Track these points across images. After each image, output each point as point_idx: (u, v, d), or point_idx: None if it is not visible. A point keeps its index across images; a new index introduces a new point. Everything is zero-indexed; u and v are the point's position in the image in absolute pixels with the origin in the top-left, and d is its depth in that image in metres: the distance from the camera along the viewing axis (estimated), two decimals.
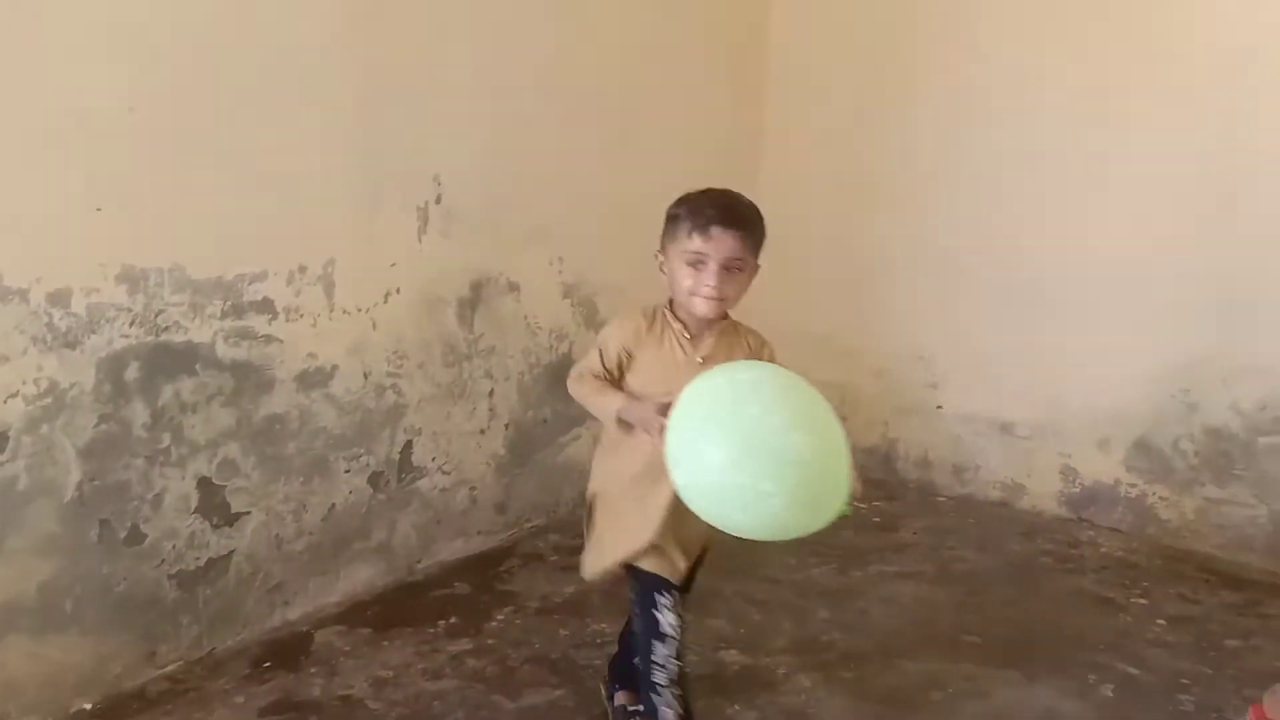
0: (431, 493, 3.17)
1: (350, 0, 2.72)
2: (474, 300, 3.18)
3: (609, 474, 2.24)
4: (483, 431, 3.29)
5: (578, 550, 3.37)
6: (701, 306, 2.05)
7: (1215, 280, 3.48)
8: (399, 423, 3.02)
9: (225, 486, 2.61)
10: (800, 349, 4.36)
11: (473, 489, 3.30)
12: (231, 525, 2.64)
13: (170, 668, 2.56)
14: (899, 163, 4.08)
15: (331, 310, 2.79)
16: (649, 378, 2.07)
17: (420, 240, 2.99)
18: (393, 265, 2.92)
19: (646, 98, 3.75)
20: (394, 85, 2.86)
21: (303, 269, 2.71)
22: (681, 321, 2.11)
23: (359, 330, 2.87)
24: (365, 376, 2.91)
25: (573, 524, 3.59)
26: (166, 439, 2.47)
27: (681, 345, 2.11)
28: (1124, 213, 3.63)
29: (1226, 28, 3.40)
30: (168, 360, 2.45)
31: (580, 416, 3.67)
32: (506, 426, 3.37)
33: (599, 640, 2.80)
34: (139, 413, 2.41)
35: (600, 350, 2.13)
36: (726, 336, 2.15)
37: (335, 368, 2.82)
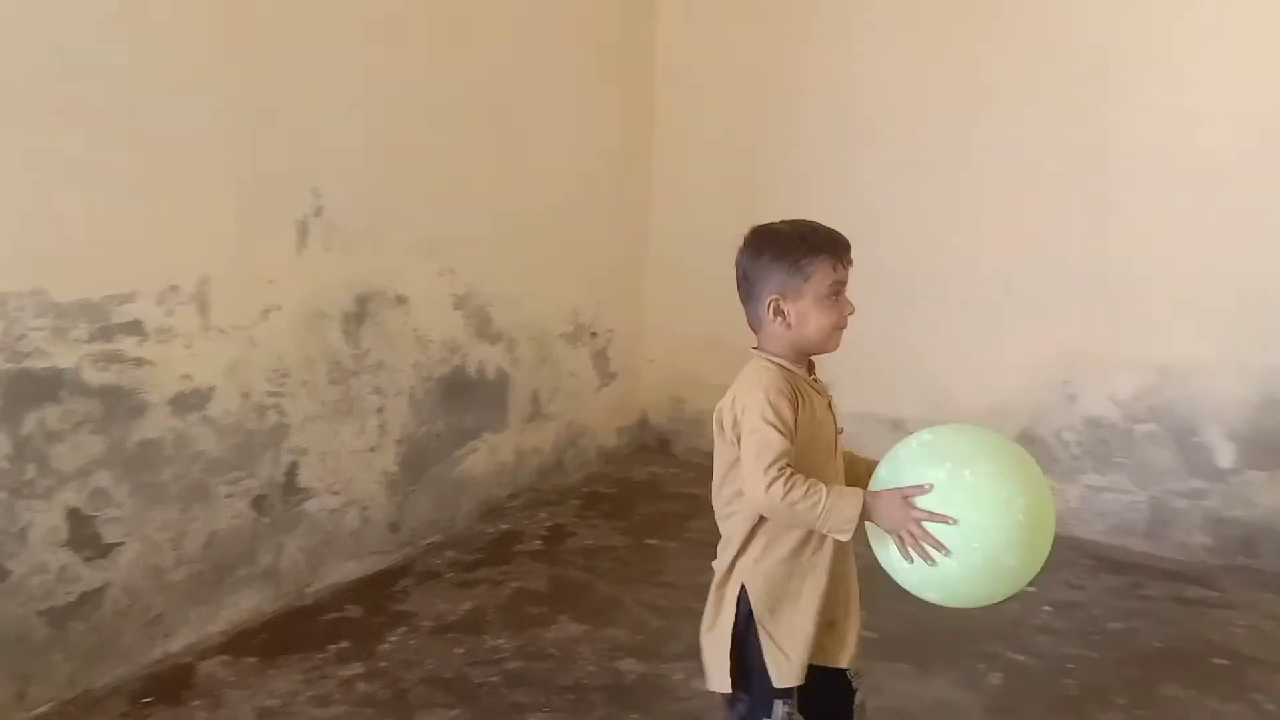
0: (320, 514, 3.09)
1: (225, 13, 2.65)
2: (360, 314, 3.12)
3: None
4: (373, 449, 3.23)
5: (475, 565, 3.37)
6: (839, 339, 1.79)
7: (1089, 275, 3.60)
8: (282, 443, 2.94)
9: (97, 517, 2.50)
10: (695, 352, 4.44)
11: (364, 508, 3.23)
12: (105, 557, 2.53)
13: (42, 708, 2.44)
14: (785, 169, 4.13)
15: (206, 329, 2.70)
16: (804, 439, 1.71)
17: (300, 254, 2.91)
18: (271, 281, 2.85)
19: (534, 108, 3.74)
20: (269, 97, 2.79)
21: (174, 288, 2.62)
22: (788, 366, 1.76)
23: (237, 349, 2.78)
24: (245, 397, 2.82)
25: (470, 539, 3.56)
26: (31, 470, 2.36)
27: (816, 390, 1.79)
28: (1001, 212, 3.73)
29: (1093, 30, 3.52)
30: (30, 388, 2.34)
31: (475, 429, 3.64)
32: (398, 443, 3.31)
33: (495, 657, 2.77)
34: (0, 444, 2.29)
35: (777, 424, 1.65)
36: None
37: (212, 389, 2.73)
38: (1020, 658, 2.83)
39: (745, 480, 1.68)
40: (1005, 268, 3.74)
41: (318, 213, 2.94)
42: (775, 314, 1.77)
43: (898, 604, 3.13)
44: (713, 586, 1.84)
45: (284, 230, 2.88)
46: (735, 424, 1.72)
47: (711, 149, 4.31)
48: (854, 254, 1.84)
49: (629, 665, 2.75)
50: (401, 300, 3.25)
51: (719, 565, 1.84)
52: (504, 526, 3.68)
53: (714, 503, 1.86)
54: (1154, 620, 3.08)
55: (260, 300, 2.83)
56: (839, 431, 1.84)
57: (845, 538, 1.67)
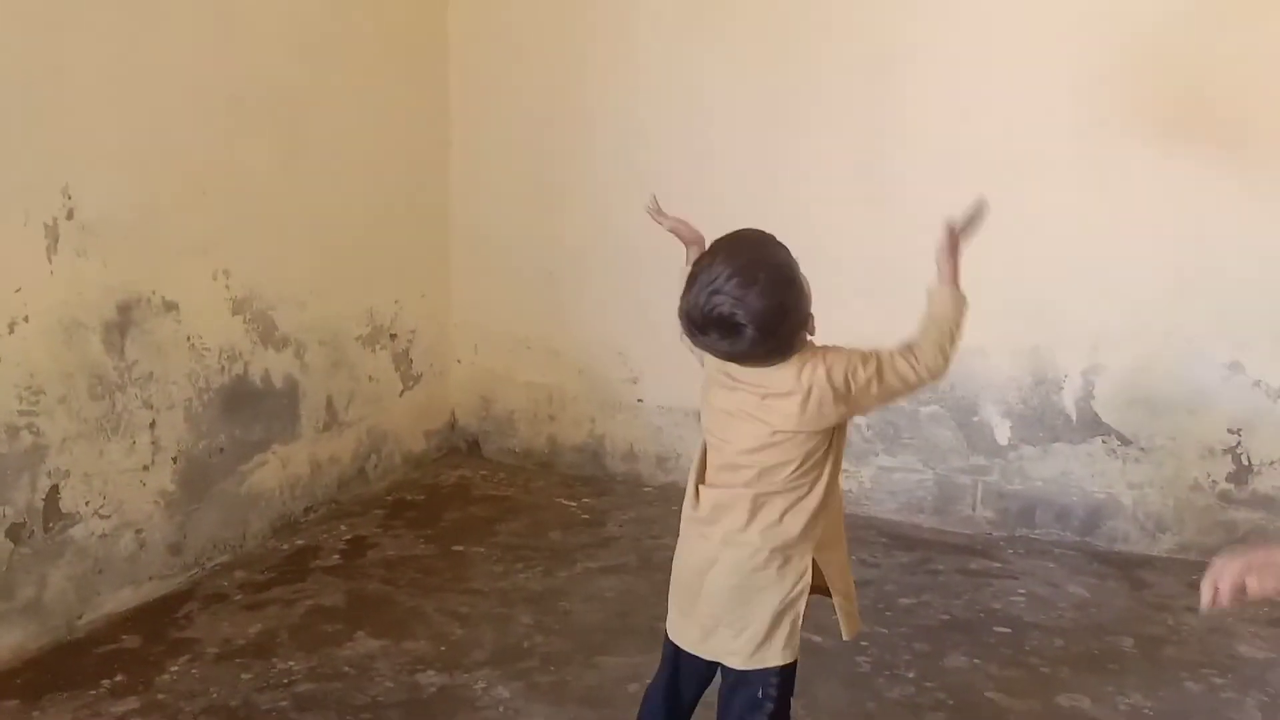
0: (88, 540, 2.86)
1: None
2: (123, 323, 2.89)
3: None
4: (146, 467, 3.01)
5: (267, 585, 3.20)
6: None
7: (874, 265, 3.73)
8: (40, 466, 2.70)
9: None
10: (505, 352, 4.37)
11: (139, 531, 3.01)
12: None
13: None
14: (583, 164, 4.11)
15: None
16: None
17: (50, 260, 2.68)
18: (17, 290, 2.60)
19: (319, 97, 3.57)
20: (8, 89, 2.55)
21: None
22: None
23: None
24: None
25: (262, 557, 3.38)
26: None
27: None
28: (793, 206, 3.82)
29: (881, 36, 3.65)
30: None
31: (264, 441, 3.45)
32: (174, 460, 3.10)
33: (285, 680, 2.63)
34: None
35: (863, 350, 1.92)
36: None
37: None
38: (816, 638, 2.86)
39: (915, 379, 1.92)
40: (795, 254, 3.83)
41: (69, 215, 2.70)
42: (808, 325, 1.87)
43: None
44: (767, 559, 1.83)
45: (31, 234, 2.63)
46: (847, 381, 1.82)
47: (511, 143, 4.23)
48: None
49: (429, 678, 2.67)
50: (171, 306, 3.03)
51: (776, 537, 1.83)
52: (299, 542, 3.51)
53: (760, 481, 1.84)
54: (941, 593, 3.22)
55: (4, 312, 2.58)
56: None
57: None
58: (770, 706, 1.87)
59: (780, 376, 1.81)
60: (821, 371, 1.81)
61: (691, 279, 1.82)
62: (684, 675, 1.98)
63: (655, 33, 3.95)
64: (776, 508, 1.84)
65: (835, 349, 1.86)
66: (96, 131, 2.78)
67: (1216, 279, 3.38)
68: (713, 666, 1.94)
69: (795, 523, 1.84)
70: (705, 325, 1.79)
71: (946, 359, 1.92)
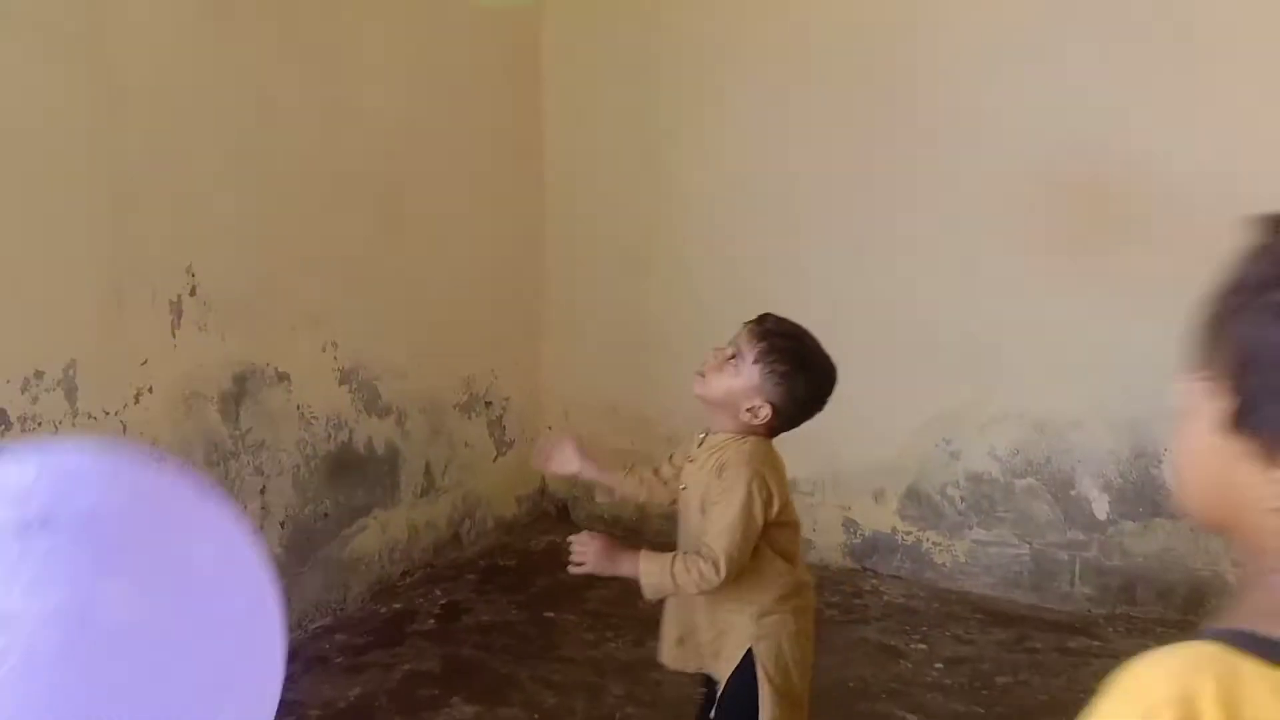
0: None
1: (85, 81, 2.60)
2: (238, 394, 3.04)
3: None
4: (255, 531, 3.12)
5: (366, 649, 3.28)
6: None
7: (962, 334, 3.72)
8: None
9: None
10: (594, 418, 4.44)
11: None
12: None
13: None
14: (670, 235, 4.20)
15: (75, 415, 2.60)
16: None
17: (174, 335, 2.84)
18: (144, 363, 2.77)
19: (418, 178, 3.72)
20: (135, 172, 2.73)
21: (39, 374, 2.52)
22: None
23: (107, 436, 2.68)
24: None
25: (361, 620, 3.47)
26: None
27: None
28: (877, 272, 3.84)
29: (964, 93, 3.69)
30: None
31: (365, 506, 3.56)
32: (282, 524, 3.22)
33: None
34: None
35: None
36: (715, 453, 2.02)
37: None
38: (912, 716, 2.87)
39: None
40: (884, 327, 3.84)
41: (192, 291, 2.87)
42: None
43: None
44: None
45: (156, 310, 2.80)
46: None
47: (602, 215, 4.35)
48: (738, 321, 2.12)
49: None
50: (283, 377, 3.18)
51: None
52: (396, 606, 3.59)
53: None
54: (1039, 672, 3.16)
55: (131, 383, 2.74)
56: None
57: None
58: None
59: None
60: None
61: (804, 366, 2.00)
62: None
63: (746, 103, 4.03)
64: None
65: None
66: (217, 213, 2.96)
67: None
68: None
69: None
70: (823, 404, 2.04)
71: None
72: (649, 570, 1.96)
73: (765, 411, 1.97)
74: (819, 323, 3.86)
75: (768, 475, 1.96)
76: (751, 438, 2.01)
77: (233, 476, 3.04)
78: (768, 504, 1.95)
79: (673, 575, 1.93)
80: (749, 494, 1.92)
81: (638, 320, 4.29)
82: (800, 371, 1.97)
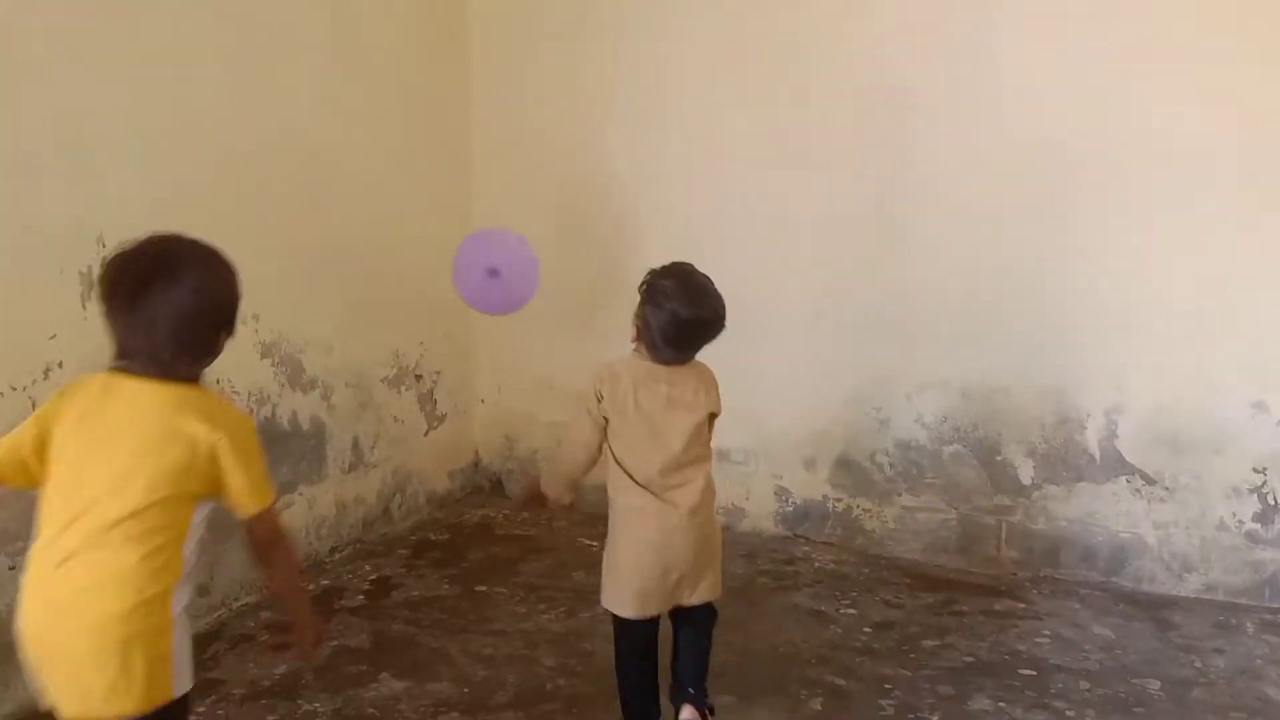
0: None
1: None
2: None
3: None
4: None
5: (291, 626, 3.21)
6: None
7: (892, 305, 3.76)
8: None
9: None
10: (528, 392, 4.40)
11: None
12: None
13: None
14: (603, 206, 4.17)
15: None
16: None
17: (85, 308, 2.74)
18: (52, 337, 2.66)
19: (341, 143, 3.65)
20: (43, 140, 2.62)
21: None
22: None
23: (16, 411, 2.57)
24: None
25: None
26: None
27: None
28: (808, 248, 3.86)
29: (894, 74, 3.69)
30: None
31: (291, 482, 3.49)
32: None
33: None
34: None
35: None
36: None
37: None
38: (841, 681, 2.89)
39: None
40: (814, 296, 3.86)
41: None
42: None
43: (725, 634, 3.19)
44: (706, 511, 2.40)
45: (66, 282, 2.70)
46: (715, 404, 2.41)
47: (533, 187, 4.30)
48: None
49: None
50: None
51: (708, 495, 2.39)
52: (325, 582, 3.53)
53: (681, 457, 2.35)
54: (966, 634, 3.21)
55: (40, 358, 2.64)
56: None
57: None
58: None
59: (693, 371, 2.41)
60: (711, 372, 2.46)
61: (664, 295, 2.32)
62: (650, 637, 2.45)
63: (678, 74, 4.01)
64: (705, 470, 2.39)
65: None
66: (128, 182, 2.86)
67: (1241, 318, 3.38)
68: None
69: (707, 488, 2.40)
70: (698, 324, 2.33)
71: None
72: None
73: (636, 329, 2.39)
74: (750, 292, 3.91)
75: (603, 374, 2.37)
76: (635, 351, 2.41)
77: None
78: (598, 397, 2.35)
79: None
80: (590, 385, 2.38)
81: (571, 292, 4.25)
82: (651, 300, 2.34)
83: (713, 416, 2.41)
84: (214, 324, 1.80)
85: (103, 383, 1.74)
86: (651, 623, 2.41)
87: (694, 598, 2.40)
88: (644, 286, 2.38)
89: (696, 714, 2.43)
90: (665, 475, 2.32)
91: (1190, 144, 3.35)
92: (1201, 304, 3.41)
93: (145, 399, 1.71)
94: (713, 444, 2.43)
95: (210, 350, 1.80)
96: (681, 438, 2.32)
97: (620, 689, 2.48)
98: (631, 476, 2.34)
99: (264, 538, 1.86)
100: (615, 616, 2.43)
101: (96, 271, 2.72)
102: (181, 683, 1.71)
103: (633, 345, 2.41)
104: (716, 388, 2.43)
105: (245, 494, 1.79)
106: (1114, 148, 3.43)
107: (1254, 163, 3.30)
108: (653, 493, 2.33)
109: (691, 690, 2.46)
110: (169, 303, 1.72)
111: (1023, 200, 3.56)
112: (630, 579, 2.37)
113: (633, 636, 2.43)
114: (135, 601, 1.63)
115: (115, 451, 1.68)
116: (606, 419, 2.35)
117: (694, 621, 2.47)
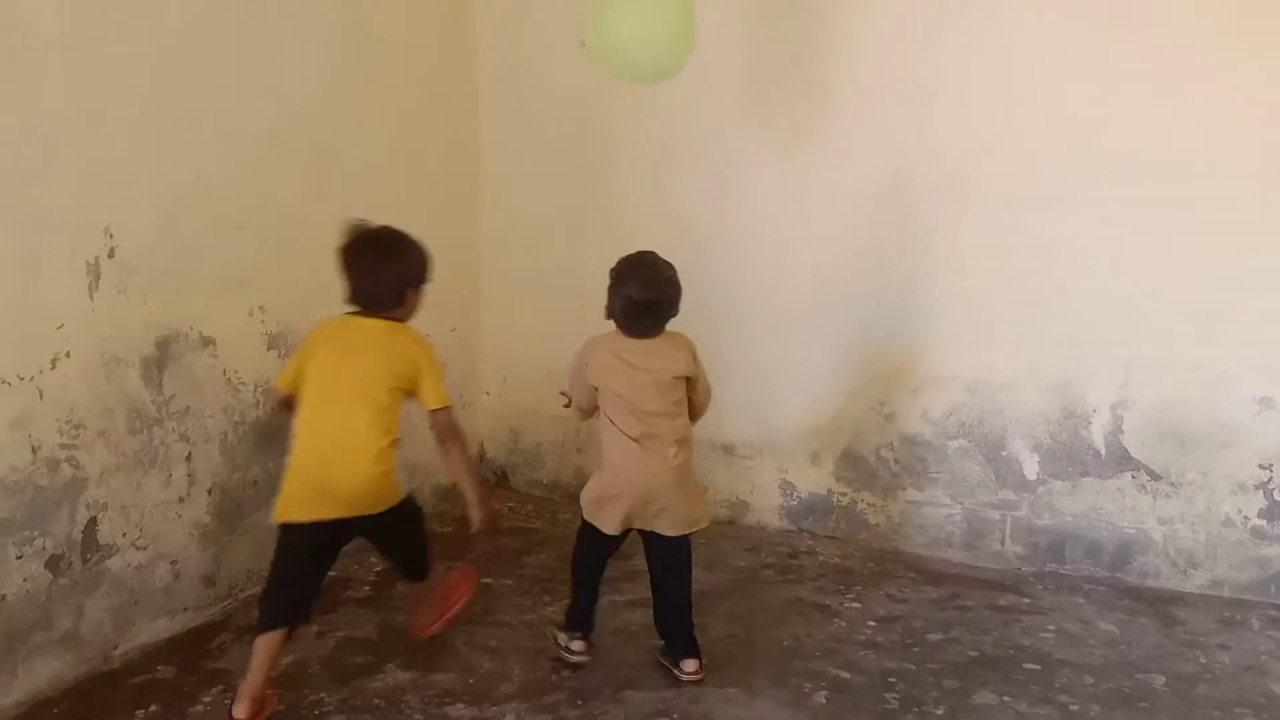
0: (124, 571, 2.90)
1: None
2: (161, 359, 2.96)
3: None
4: (181, 500, 3.06)
5: None
6: None
7: (898, 299, 3.75)
8: (79, 498, 2.75)
9: None
10: (533, 385, 4.40)
11: (174, 562, 3.06)
12: None
13: None
14: (608, 198, 4.17)
15: None
16: None
17: (92, 298, 2.74)
18: (60, 327, 2.67)
19: (349, 139, 3.65)
20: (52, 130, 2.63)
21: None
22: None
23: (23, 401, 2.59)
24: (34, 451, 2.63)
25: None
26: None
27: None
28: (814, 242, 3.85)
29: (905, 64, 3.68)
30: None
31: None
32: (209, 492, 3.15)
33: (317, 712, 2.65)
34: None
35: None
36: None
37: None
38: (845, 674, 2.89)
39: (704, 392, 2.88)
40: (819, 291, 3.86)
41: (110, 253, 2.77)
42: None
43: (729, 626, 3.20)
44: (681, 458, 2.79)
45: (73, 273, 2.70)
46: (696, 366, 2.82)
47: (539, 180, 4.31)
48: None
49: (458, 711, 2.68)
50: (208, 341, 3.10)
51: (684, 445, 2.81)
52: (331, 573, 3.52)
53: (652, 412, 2.77)
54: (970, 629, 3.21)
55: (48, 348, 2.64)
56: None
57: None
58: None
59: (664, 341, 2.81)
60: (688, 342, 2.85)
61: (623, 280, 2.77)
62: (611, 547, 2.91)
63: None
64: (675, 424, 2.80)
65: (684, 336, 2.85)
66: (136, 172, 2.86)
67: (1248, 313, 3.37)
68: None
69: (689, 432, 2.85)
70: (648, 305, 2.74)
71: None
72: None
73: (607, 309, 2.82)
74: (755, 286, 3.93)
75: (588, 346, 2.86)
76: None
77: (156, 444, 2.96)
78: (584, 365, 2.83)
79: None
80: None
81: (576, 284, 4.24)
82: (613, 284, 2.79)
83: (687, 379, 2.80)
84: (413, 285, 2.72)
85: (341, 320, 2.67)
86: (613, 539, 2.86)
87: (660, 527, 2.81)
88: (611, 272, 2.79)
89: (698, 662, 2.85)
90: (639, 426, 2.75)
91: (1200, 139, 3.34)
92: (1209, 299, 3.40)
93: (375, 329, 2.64)
94: (704, 403, 2.90)
95: (404, 301, 2.71)
96: (649, 396, 2.75)
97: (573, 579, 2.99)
98: (615, 425, 2.78)
99: (444, 428, 2.71)
100: (588, 525, 2.87)
101: (104, 261, 2.76)
102: (401, 492, 2.70)
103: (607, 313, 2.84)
104: (687, 353, 2.80)
105: (432, 394, 2.68)
106: (1124, 142, 3.42)
107: (1264, 158, 3.29)
108: (631, 438, 2.75)
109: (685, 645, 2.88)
110: (393, 272, 2.67)
111: (1030, 195, 3.55)
112: (604, 502, 2.82)
113: (593, 540, 2.89)
114: (382, 447, 2.59)
115: (359, 361, 2.59)
116: (595, 385, 2.81)
117: (666, 560, 2.88)
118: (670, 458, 2.75)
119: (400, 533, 2.78)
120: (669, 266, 2.79)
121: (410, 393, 2.64)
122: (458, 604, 2.88)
